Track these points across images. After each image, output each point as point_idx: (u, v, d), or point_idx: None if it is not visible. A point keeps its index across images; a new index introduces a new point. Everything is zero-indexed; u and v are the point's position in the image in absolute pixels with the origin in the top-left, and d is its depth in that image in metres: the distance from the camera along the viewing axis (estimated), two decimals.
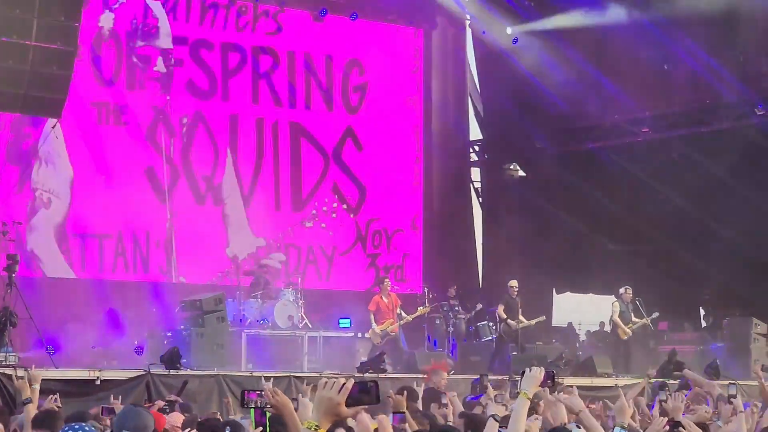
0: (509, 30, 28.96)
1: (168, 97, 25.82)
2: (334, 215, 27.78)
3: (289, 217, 27.11)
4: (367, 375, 19.27)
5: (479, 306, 25.64)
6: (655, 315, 24.16)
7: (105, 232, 24.88)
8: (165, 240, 25.38)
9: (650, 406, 13.48)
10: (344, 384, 4.48)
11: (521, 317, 23.57)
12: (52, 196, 24.39)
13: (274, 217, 26.89)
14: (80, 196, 24.64)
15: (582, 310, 29.12)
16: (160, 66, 25.84)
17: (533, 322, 23.89)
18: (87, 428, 6.95)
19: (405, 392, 10.31)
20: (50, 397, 10.70)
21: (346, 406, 4.48)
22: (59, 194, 24.46)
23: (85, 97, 24.42)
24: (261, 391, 5.63)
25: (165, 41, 25.91)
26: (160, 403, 12.52)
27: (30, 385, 10.08)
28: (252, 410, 6.35)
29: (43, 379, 14.87)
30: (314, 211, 27.48)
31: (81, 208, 24.59)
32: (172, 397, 14.79)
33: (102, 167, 24.83)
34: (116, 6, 25.22)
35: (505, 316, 23.55)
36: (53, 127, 21.36)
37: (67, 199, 24.52)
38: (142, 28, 25.66)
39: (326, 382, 4.54)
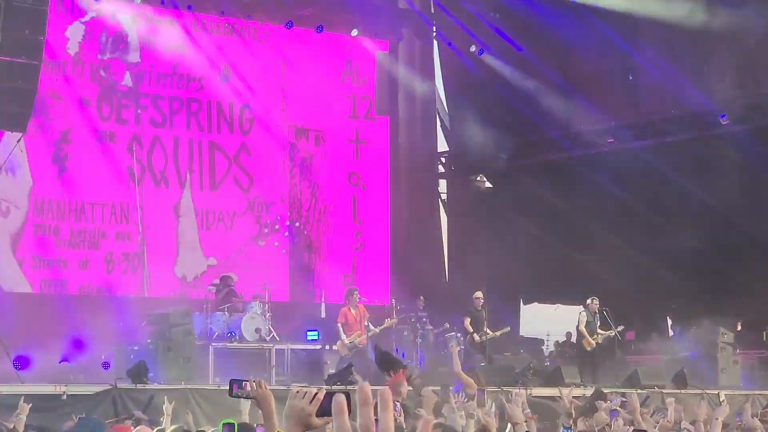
0: (473, 47, 29.06)
1: (138, 111, 25.85)
2: (286, 234, 27.79)
3: (239, 236, 27.13)
4: (335, 387, 19.22)
5: (446, 325, 25.63)
6: (621, 328, 24.22)
7: (69, 244, 24.86)
8: (133, 254, 25.36)
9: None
10: (316, 394, 4.46)
11: (486, 329, 23.57)
12: (11, 205, 24.41)
13: (225, 236, 26.93)
14: (40, 207, 24.63)
15: (549, 321, 29.20)
16: (126, 80, 25.83)
17: (498, 333, 23.91)
18: None
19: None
20: (16, 412, 10.62)
21: (317, 416, 4.46)
22: (18, 204, 24.45)
23: (52, 110, 24.49)
24: (245, 381, 5.62)
25: (133, 56, 25.91)
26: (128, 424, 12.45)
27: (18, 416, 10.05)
28: (221, 424, 6.35)
29: (10, 395, 14.83)
30: (266, 230, 27.48)
31: (42, 219, 24.58)
32: (138, 413, 14.72)
33: (65, 178, 24.82)
34: (86, 19, 25.20)
35: (471, 330, 23.56)
36: (18, 141, 21.21)
37: (25, 209, 24.49)
38: (111, 42, 25.65)
39: (298, 392, 4.51)
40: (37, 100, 21.10)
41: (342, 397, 3.73)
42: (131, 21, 25.81)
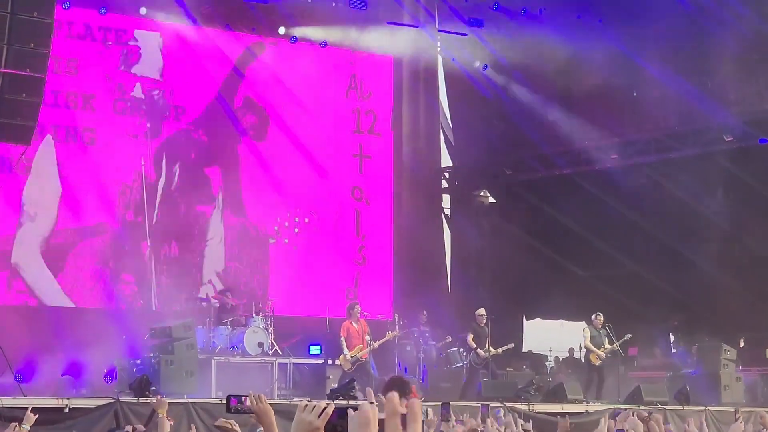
0: (477, 63, 29.12)
1: (148, 125, 26.04)
2: (295, 247, 27.91)
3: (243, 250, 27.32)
4: (337, 402, 19.20)
5: (449, 338, 25.62)
6: (627, 337, 24.14)
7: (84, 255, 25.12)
8: (143, 268, 25.50)
9: None
10: (324, 409, 4.47)
11: (489, 346, 23.52)
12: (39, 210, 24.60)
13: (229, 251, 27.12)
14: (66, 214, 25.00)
15: (552, 337, 29.17)
16: (137, 92, 26.02)
17: (500, 350, 23.86)
18: None
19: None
20: (12, 425, 10.59)
21: (325, 431, 4.47)
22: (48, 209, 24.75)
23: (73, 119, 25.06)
24: (244, 396, 5.61)
25: (147, 69, 26.13)
26: (129, 429, 12.45)
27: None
28: None
29: (12, 407, 14.83)
30: (272, 240, 27.63)
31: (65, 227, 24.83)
32: (140, 427, 14.71)
33: (88, 189, 25.10)
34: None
35: (475, 345, 23.51)
36: (22, 154, 21.28)
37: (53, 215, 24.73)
38: (127, 54, 25.86)
39: (306, 405, 4.52)
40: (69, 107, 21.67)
41: (367, 411, 3.73)
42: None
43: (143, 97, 26.14)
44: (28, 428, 10.15)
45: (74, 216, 25.11)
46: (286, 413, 9.37)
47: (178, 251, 26.33)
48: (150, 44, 26.29)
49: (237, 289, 25.50)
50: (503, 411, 17.95)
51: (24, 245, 24.59)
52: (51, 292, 24.82)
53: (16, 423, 10.65)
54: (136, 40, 26.16)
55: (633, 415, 10.40)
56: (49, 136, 24.66)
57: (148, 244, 25.57)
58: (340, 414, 4.50)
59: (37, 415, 10.67)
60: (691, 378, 23.71)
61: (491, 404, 17.68)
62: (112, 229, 25.53)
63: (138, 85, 26.10)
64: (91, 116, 25.45)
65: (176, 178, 26.55)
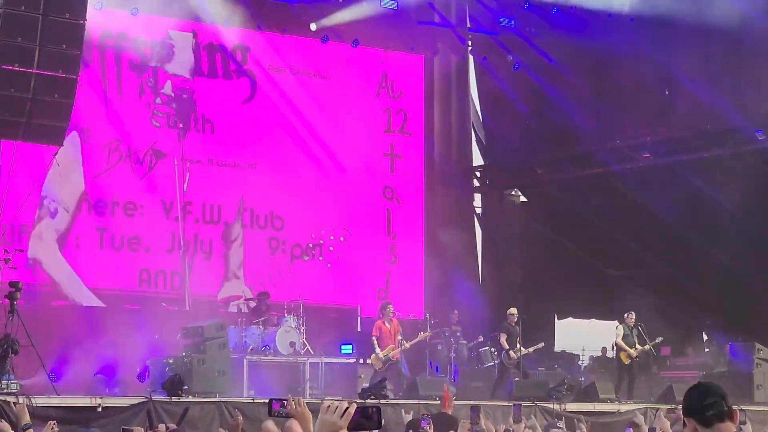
0: (508, 62, 29.08)
1: (181, 125, 26.16)
2: (331, 248, 27.92)
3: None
4: (368, 401, 19.22)
5: (480, 338, 25.60)
6: (659, 340, 24.08)
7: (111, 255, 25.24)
8: (173, 270, 25.60)
9: None
10: (347, 408, 4.48)
11: (521, 346, 23.42)
12: (60, 206, 24.72)
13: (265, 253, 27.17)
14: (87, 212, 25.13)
15: (584, 336, 29.08)
16: (167, 89, 26.14)
17: (531, 350, 23.76)
18: None
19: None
20: (49, 423, 10.66)
21: (348, 430, 4.48)
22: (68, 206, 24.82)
23: (98, 116, 25.22)
24: (285, 400, 5.63)
25: (178, 67, 26.26)
26: (162, 429, 12.50)
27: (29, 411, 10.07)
28: None
29: (44, 406, 14.91)
30: (311, 245, 27.68)
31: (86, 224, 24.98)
32: (172, 426, 14.77)
33: (113, 187, 25.17)
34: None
35: (507, 346, 23.39)
36: (55, 155, 21.35)
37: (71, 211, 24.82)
38: (161, 51, 25.98)
39: (329, 406, 4.53)
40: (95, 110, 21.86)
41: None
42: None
43: (173, 95, 26.23)
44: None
45: (98, 213, 25.18)
46: (317, 413, 9.38)
47: (212, 252, 26.38)
48: (182, 44, 26.37)
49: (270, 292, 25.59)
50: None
51: (43, 240, 24.69)
52: (80, 291, 24.93)
53: (54, 421, 10.71)
54: (170, 38, 26.28)
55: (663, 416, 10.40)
56: (75, 133, 24.68)
57: (181, 244, 25.64)
58: (363, 413, 4.51)
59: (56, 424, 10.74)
60: (723, 377, 23.59)
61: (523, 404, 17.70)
62: (142, 227, 25.59)
63: (169, 82, 26.20)
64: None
65: (201, 183, 26.59)
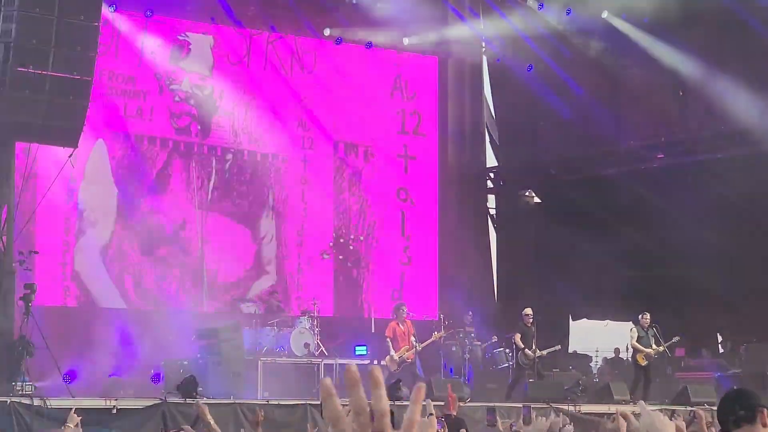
0: (522, 63, 29.04)
1: (199, 127, 26.24)
2: (351, 246, 27.98)
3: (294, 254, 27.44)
4: None
5: (494, 339, 25.57)
6: (676, 339, 24.01)
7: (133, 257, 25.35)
8: (193, 270, 25.68)
9: None
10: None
11: (536, 347, 23.37)
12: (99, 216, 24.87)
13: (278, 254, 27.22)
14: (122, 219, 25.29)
15: (598, 337, 29.04)
16: (186, 86, 26.23)
17: (545, 352, 23.68)
18: None
19: None
20: (76, 416, 10.60)
21: None
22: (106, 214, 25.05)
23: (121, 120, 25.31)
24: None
25: (195, 66, 26.32)
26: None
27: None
28: None
29: (59, 408, 14.92)
30: (331, 243, 27.72)
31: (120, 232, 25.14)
32: (187, 428, 14.75)
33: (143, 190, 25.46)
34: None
35: (523, 346, 23.33)
36: (70, 156, 21.39)
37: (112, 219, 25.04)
38: (177, 48, 26.08)
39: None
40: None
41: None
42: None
43: (191, 92, 26.32)
44: (72, 427, 10.17)
45: (130, 218, 25.23)
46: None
47: (227, 252, 26.41)
48: (199, 45, 26.44)
49: (284, 292, 25.62)
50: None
51: (84, 252, 24.75)
52: (106, 294, 24.97)
53: (78, 419, 10.64)
54: (186, 36, 26.34)
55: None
56: (101, 140, 24.80)
57: (199, 245, 25.68)
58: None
59: (81, 417, 10.70)
60: (738, 379, 23.53)
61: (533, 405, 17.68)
62: (163, 228, 25.64)
63: (186, 79, 26.28)
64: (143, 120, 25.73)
65: (224, 183, 26.68)
